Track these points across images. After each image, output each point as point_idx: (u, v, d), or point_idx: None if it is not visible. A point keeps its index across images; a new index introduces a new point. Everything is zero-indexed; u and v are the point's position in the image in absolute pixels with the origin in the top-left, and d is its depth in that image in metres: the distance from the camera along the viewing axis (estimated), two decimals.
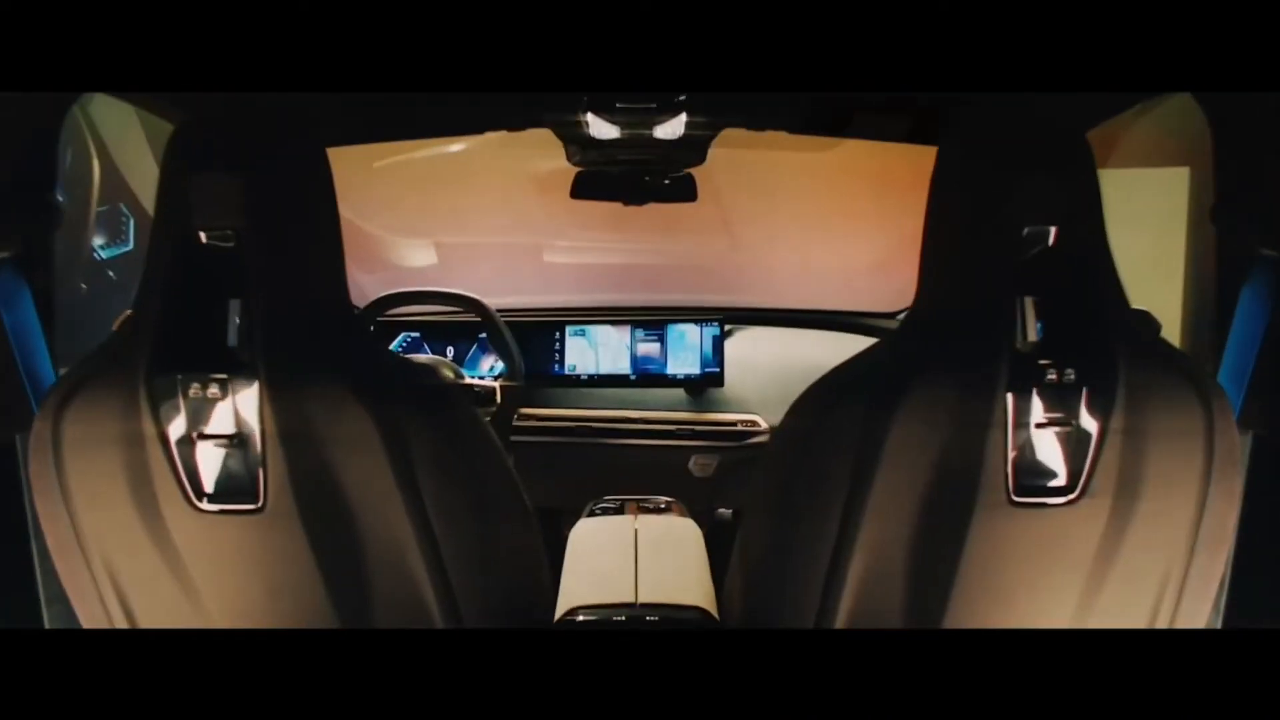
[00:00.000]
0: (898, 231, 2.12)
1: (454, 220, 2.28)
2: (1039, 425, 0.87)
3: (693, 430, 1.92)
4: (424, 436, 0.90)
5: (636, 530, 1.40)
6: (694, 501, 2.05)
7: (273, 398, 0.86)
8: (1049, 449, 0.87)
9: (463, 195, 2.19)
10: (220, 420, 0.86)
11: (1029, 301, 0.87)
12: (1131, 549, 0.88)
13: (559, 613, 1.16)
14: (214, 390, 0.86)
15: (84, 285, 1.74)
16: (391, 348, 1.93)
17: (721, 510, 2.08)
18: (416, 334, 1.94)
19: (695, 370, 1.91)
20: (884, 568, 0.92)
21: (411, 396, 0.93)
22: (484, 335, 1.83)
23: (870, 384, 0.93)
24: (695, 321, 1.92)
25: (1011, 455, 0.87)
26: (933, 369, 0.89)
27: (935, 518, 0.89)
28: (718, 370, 1.90)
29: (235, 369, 0.86)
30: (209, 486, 0.87)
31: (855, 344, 2.14)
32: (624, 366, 1.93)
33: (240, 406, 0.86)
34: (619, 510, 1.63)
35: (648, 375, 1.93)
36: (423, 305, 1.92)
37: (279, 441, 0.86)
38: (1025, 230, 0.87)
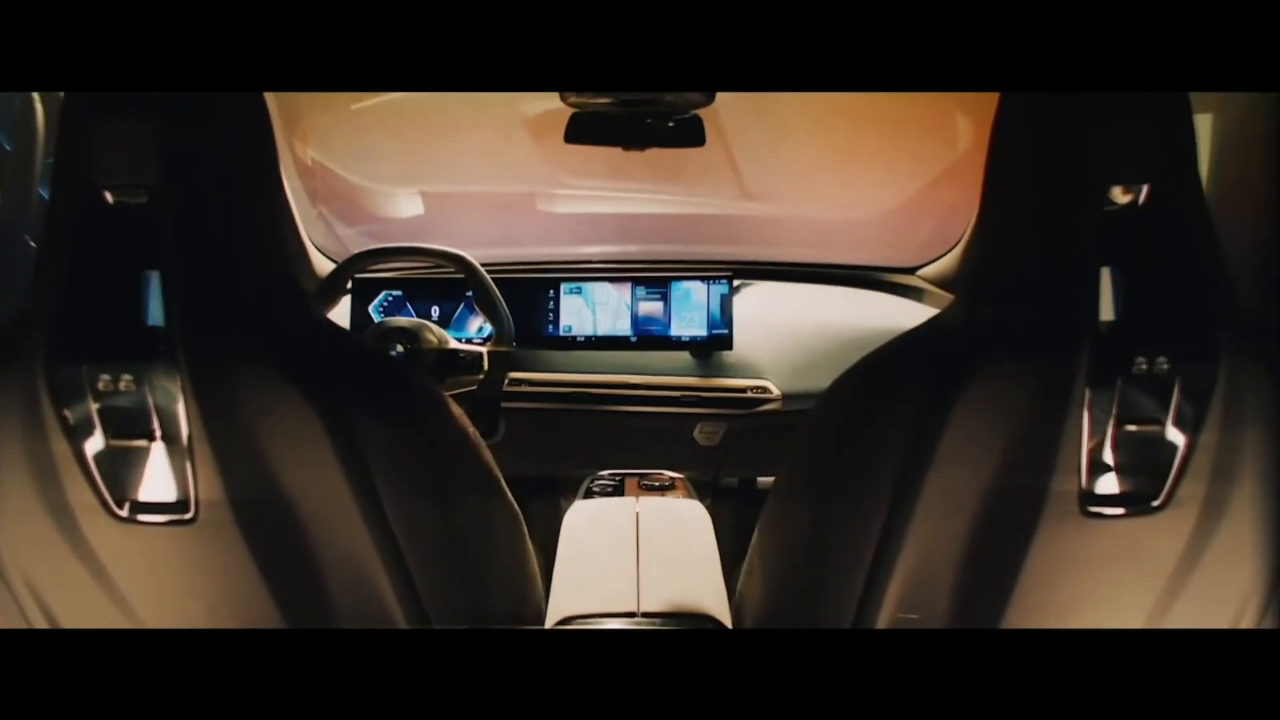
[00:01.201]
0: (922, 176, 1.98)
1: (441, 167, 2.11)
2: (1122, 422, 0.72)
3: (698, 397, 1.78)
4: (381, 431, 0.76)
5: (638, 514, 1.27)
6: (699, 470, 1.93)
7: (198, 390, 0.71)
8: (1132, 452, 0.73)
9: (450, 140, 2.03)
10: (136, 417, 0.72)
11: (1113, 274, 0.72)
12: (1216, 558, 0.75)
13: (551, 619, 1.03)
14: (127, 381, 0.71)
15: (30, 240, 1.59)
16: (372, 308, 1.78)
17: (728, 480, 1.95)
18: (398, 292, 1.79)
19: (701, 332, 1.76)
20: (930, 577, 0.79)
21: (365, 384, 0.78)
22: (471, 294, 1.68)
23: (925, 367, 0.79)
24: (702, 279, 1.76)
25: (1086, 458, 0.73)
26: (997, 354, 0.74)
27: (993, 524, 0.76)
28: (726, 332, 1.75)
29: (152, 356, 0.71)
30: (130, 494, 0.73)
31: (875, 302, 2.01)
32: (624, 327, 1.78)
33: (159, 401, 0.72)
34: (619, 488, 1.50)
35: (649, 337, 1.77)
36: (405, 261, 1.77)
37: (208, 441, 0.72)
38: (1110, 188, 0.71)
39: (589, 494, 1.48)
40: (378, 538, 0.77)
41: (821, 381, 1.80)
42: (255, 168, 0.76)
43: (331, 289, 1.58)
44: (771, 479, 2.17)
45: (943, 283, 1.95)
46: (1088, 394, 0.71)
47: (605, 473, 1.60)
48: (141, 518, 0.74)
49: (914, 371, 0.79)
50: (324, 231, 2.04)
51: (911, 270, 2.03)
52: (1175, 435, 0.72)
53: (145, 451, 0.73)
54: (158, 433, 0.72)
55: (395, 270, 1.88)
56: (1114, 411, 0.72)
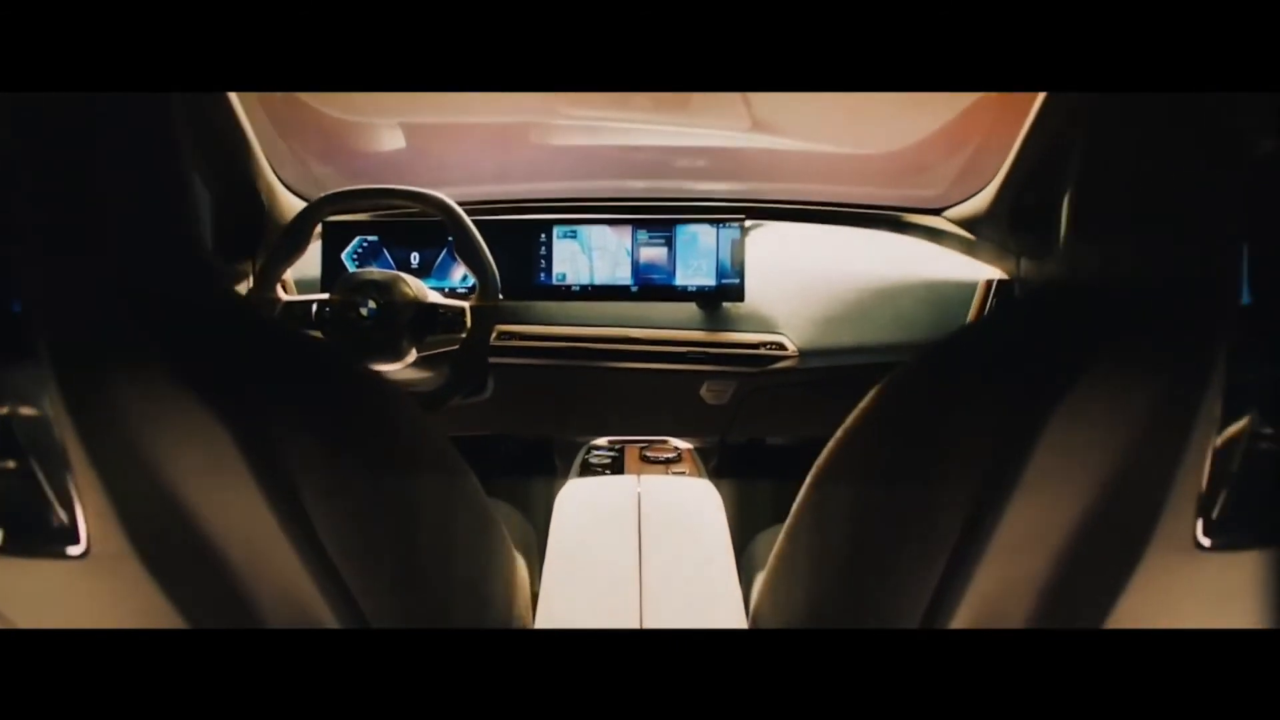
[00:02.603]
0: (951, 106, 1.76)
1: (422, 97, 1.91)
2: (1256, 440, 0.56)
3: (706, 353, 1.61)
4: (303, 435, 0.60)
5: (640, 496, 1.12)
6: (705, 431, 1.78)
7: (69, 397, 0.55)
8: (1265, 477, 0.57)
9: None
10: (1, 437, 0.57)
11: (1254, 259, 0.55)
12: None
13: (540, 624, 0.89)
14: None
15: None
16: (345, 255, 1.61)
17: (736, 439, 1.81)
18: (374, 238, 1.61)
19: (709, 281, 1.58)
20: (1007, 606, 0.64)
21: (279, 376, 0.62)
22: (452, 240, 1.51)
23: (1010, 363, 0.62)
24: (710, 222, 1.58)
25: (1206, 481, 0.57)
26: (1108, 352, 0.58)
27: (1087, 551, 0.60)
28: (737, 282, 1.57)
29: (13, 362, 0.56)
30: (5, 526, 0.58)
31: (898, 246, 1.83)
32: (623, 276, 1.60)
33: (25, 416, 0.56)
34: (618, 460, 1.35)
35: (652, 287, 1.60)
36: (377, 204, 1.59)
37: (91, 462, 0.57)
38: (1252, 150, 0.54)
39: (585, 468, 1.33)
40: (309, 559, 0.62)
41: (842, 336, 1.67)
42: (146, 122, 0.59)
43: (296, 236, 1.41)
44: (781, 439, 2.04)
45: (971, 225, 1.77)
46: (1220, 402, 0.55)
47: (603, 441, 1.45)
48: (25, 553, 0.59)
49: (997, 368, 0.62)
50: (296, 170, 1.86)
51: (937, 211, 1.85)
52: None
53: (14, 477, 0.57)
54: (29, 454, 0.57)
55: (370, 213, 1.70)
56: (1247, 428, 0.56)
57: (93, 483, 0.57)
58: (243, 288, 1.59)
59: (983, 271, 1.67)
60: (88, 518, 0.58)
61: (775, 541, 1.30)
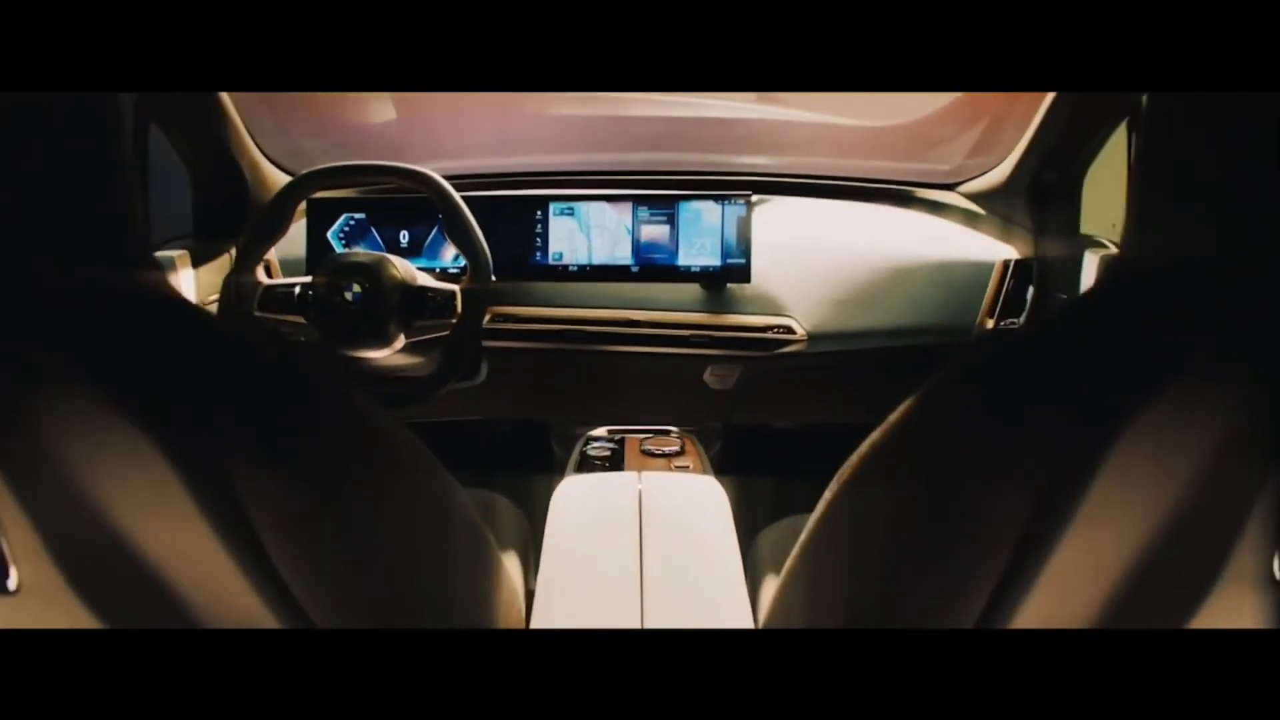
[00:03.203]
0: None
1: None
2: None
3: (710, 337, 1.53)
4: (252, 457, 0.53)
5: (640, 493, 1.06)
6: (709, 416, 1.71)
7: None
8: None
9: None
10: None
11: None
12: None
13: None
14: None
15: None
16: (331, 234, 1.53)
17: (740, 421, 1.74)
18: (361, 215, 1.53)
19: (714, 261, 1.50)
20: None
21: (220, 381, 0.54)
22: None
23: (1071, 376, 0.55)
24: (715, 198, 1.50)
25: None
26: (1190, 359, 0.50)
27: (1150, 580, 0.54)
28: (743, 262, 1.49)
29: None
30: None
31: (912, 223, 1.74)
32: (623, 255, 1.53)
33: None
34: (618, 453, 1.29)
35: (653, 267, 1.52)
36: (363, 181, 1.51)
37: (14, 491, 0.49)
38: None
39: (583, 461, 1.26)
40: (263, 588, 0.55)
41: (852, 319, 1.59)
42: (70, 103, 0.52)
43: (277, 215, 1.33)
44: (788, 424, 1.98)
45: (986, 202, 1.69)
46: None
47: (602, 431, 1.38)
48: None
49: (1057, 382, 0.55)
50: (281, 143, 1.77)
51: (950, 186, 1.77)
52: None
53: None
54: None
55: (357, 189, 1.62)
56: None
57: (18, 515, 0.50)
58: (214, 273, 1.52)
59: (999, 251, 1.59)
60: (16, 553, 0.51)
61: (783, 536, 1.24)
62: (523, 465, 1.95)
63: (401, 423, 0.63)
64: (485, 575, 0.80)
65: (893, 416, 0.65)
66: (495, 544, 0.83)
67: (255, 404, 0.53)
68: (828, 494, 0.74)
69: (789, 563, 0.82)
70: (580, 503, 1.06)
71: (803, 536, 0.78)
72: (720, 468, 1.52)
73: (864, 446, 0.68)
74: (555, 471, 1.78)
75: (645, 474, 1.12)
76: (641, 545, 0.97)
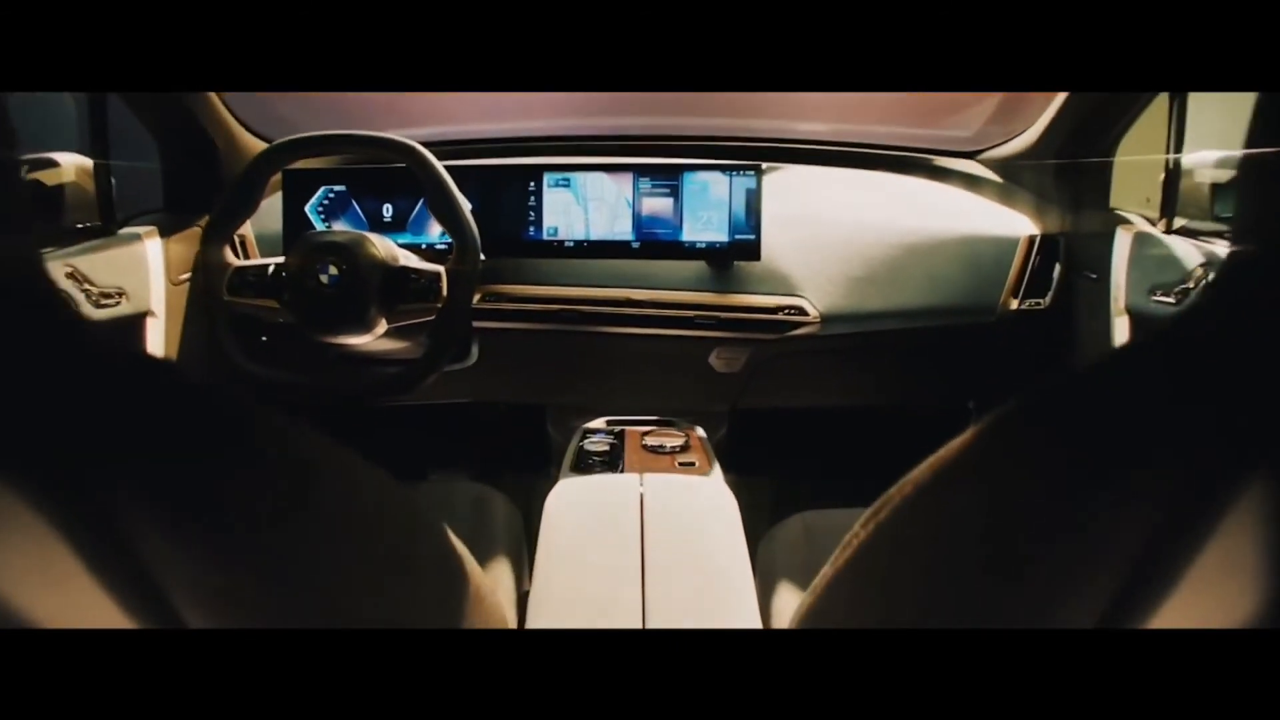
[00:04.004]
0: None
1: None
2: None
3: (717, 319, 1.44)
4: (155, 512, 0.42)
5: (642, 499, 0.96)
6: (714, 400, 1.62)
7: None
8: None
9: None
10: None
11: None
12: None
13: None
14: None
15: None
16: (309, 208, 1.42)
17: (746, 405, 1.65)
18: (341, 187, 1.42)
19: (721, 237, 1.40)
20: None
21: (106, 422, 0.43)
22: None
23: (1181, 418, 0.45)
24: (722, 169, 1.39)
25: None
26: None
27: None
28: (753, 238, 1.39)
29: None
30: None
31: (931, 194, 1.63)
32: (623, 230, 1.42)
33: None
34: (616, 448, 1.19)
35: (656, 243, 1.41)
36: (341, 152, 1.40)
37: None
38: None
39: (579, 458, 1.17)
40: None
41: (868, 299, 1.48)
42: None
43: (249, 188, 1.22)
44: (800, 405, 1.88)
45: (1009, 172, 1.59)
46: None
47: (600, 424, 1.29)
48: None
49: (1166, 425, 0.45)
50: (260, 110, 1.65)
51: (971, 155, 1.66)
52: None
53: None
54: None
55: (336, 159, 1.51)
56: None
57: None
58: (187, 250, 1.41)
59: (1023, 225, 1.49)
60: None
61: (794, 534, 1.16)
62: (517, 451, 1.86)
63: (361, 461, 0.51)
64: (468, 607, 0.70)
65: (991, 417, 0.56)
66: (475, 577, 0.73)
67: (154, 446, 0.42)
68: (900, 497, 0.65)
69: (835, 568, 0.74)
70: (576, 509, 0.97)
71: (861, 536, 0.70)
72: (725, 454, 1.44)
73: (954, 446, 0.59)
74: (552, 458, 1.70)
75: (647, 477, 1.03)
76: (643, 555, 0.88)
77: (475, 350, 1.51)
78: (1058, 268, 1.46)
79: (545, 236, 1.43)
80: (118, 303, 1.25)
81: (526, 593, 1.04)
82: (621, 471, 1.13)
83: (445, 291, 1.17)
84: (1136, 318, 1.27)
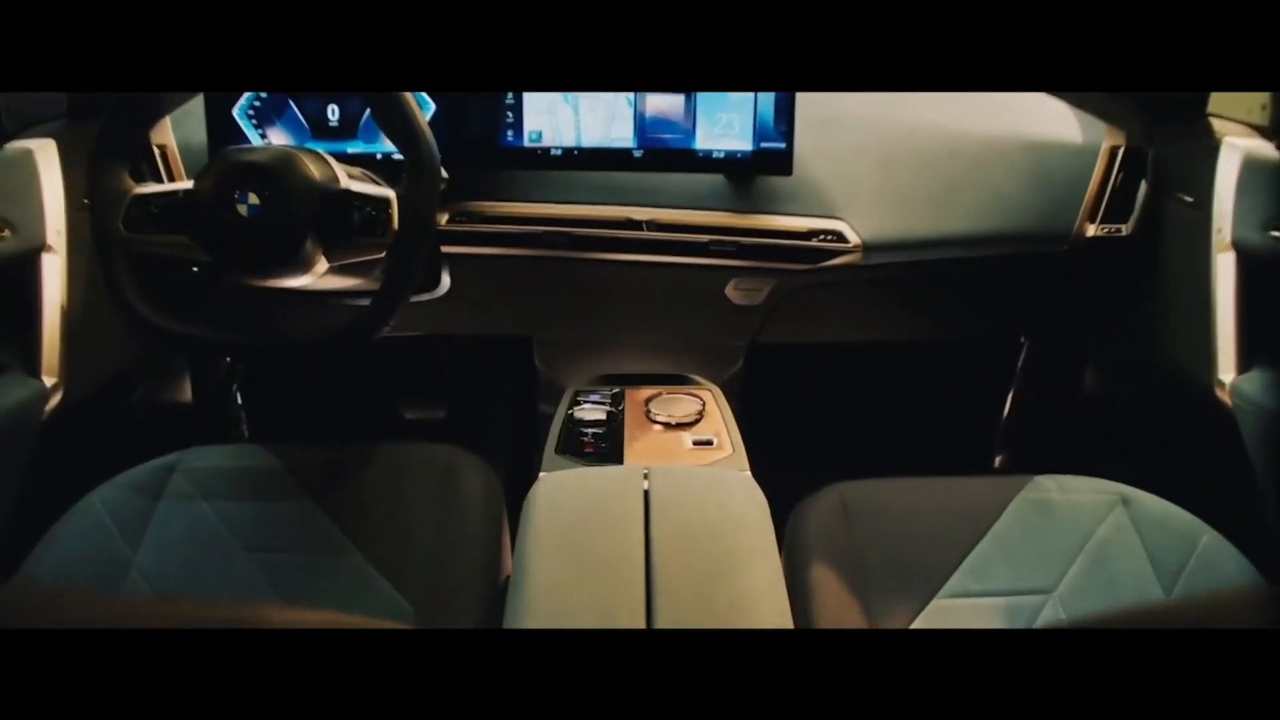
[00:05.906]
0: None
1: None
2: None
3: (738, 244, 1.20)
4: None
5: (648, 496, 0.78)
6: (729, 335, 1.40)
7: None
8: None
9: None
10: None
11: None
12: None
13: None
14: None
15: None
16: (238, 112, 1.15)
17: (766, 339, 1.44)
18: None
19: (745, 145, 1.14)
20: None
21: None
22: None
23: None
24: None
25: None
26: None
27: None
28: (783, 146, 1.13)
29: None
30: None
31: (992, 98, 1.41)
32: (623, 136, 1.16)
33: None
34: (614, 416, 0.99)
35: (663, 151, 1.16)
36: None
37: None
38: None
39: (569, 428, 0.96)
40: None
41: (919, 223, 1.18)
42: None
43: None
44: (831, 339, 1.66)
45: None
46: None
47: (590, 390, 1.08)
48: None
49: None
50: None
51: None
52: None
53: None
54: None
55: None
56: None
57: None
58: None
59: (1102, 134, 1.24)
60: None
61: (831, 511, 0.97)
62: (498, 393, 1.65)
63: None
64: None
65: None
66: None
67: None
68: None
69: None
70: (563, 512, 0.76)
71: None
72: (740, 396, 1.22)
73: None
74: (539, 394, 1.49)
75: (654, 469, 0.81)
76: (648, 566, 0.70)
77: (446, 279, 1.26)
78: (1143, 187, 1.21)
79: (527, 143, 1.17)
80: (1, 238, 1.01)
81: (506, 579, 0.87)
82: (621, 456, 0.92)
83: (397, 221, 0.91)
84: (1246, 256, 1.04)
